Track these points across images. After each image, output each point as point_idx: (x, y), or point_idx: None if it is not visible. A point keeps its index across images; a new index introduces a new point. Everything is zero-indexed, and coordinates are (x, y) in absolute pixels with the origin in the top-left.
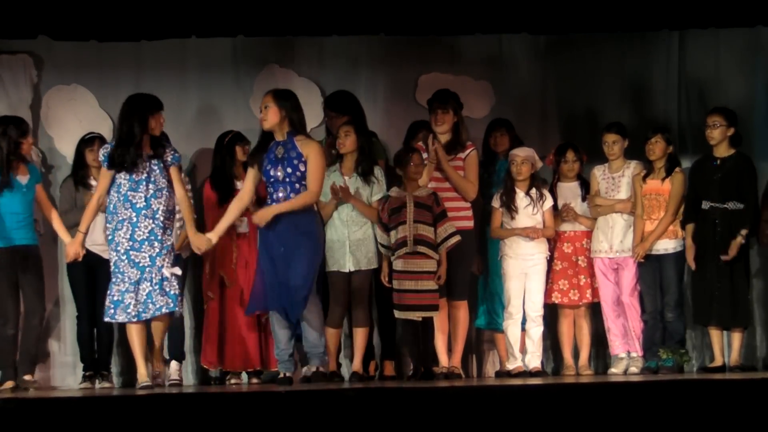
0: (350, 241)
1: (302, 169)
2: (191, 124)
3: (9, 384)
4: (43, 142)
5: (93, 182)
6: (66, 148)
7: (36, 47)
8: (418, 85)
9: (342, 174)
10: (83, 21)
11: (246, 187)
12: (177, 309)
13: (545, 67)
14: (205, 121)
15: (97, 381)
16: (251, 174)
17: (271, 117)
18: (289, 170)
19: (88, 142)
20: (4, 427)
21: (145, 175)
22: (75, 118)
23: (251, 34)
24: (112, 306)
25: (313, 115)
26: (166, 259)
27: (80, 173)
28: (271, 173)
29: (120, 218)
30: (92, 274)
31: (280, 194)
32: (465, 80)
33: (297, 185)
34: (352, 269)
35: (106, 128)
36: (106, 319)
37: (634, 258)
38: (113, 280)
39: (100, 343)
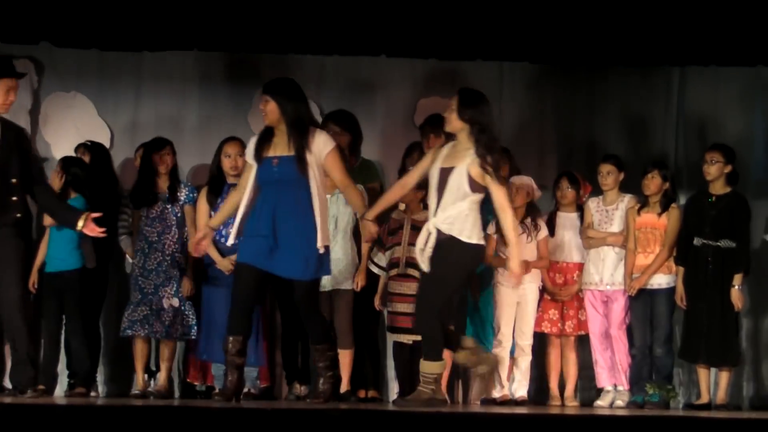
0: (335, 259)
1: None
2: (190, 137)
3: (80, 390)
4: (41, 148)
5: None
6: (63, 155)
7: (37, 53)
8: (417, 109)
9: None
10: (85, 29)
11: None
12: (174, 338)
13: (545, 96)
14: (204, 134)
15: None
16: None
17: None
18: None
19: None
20: None
21: (158, 212)
22: (73, 125)
23: (253, 50)
24: (122, 321)
25: None
26: (168, 291)
27: None
28: None
29: (136, 248)
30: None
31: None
32: None
33: None
34: (329, 288)
35: (103, 137)
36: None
37: (629, 292)
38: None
39: (88, 351)
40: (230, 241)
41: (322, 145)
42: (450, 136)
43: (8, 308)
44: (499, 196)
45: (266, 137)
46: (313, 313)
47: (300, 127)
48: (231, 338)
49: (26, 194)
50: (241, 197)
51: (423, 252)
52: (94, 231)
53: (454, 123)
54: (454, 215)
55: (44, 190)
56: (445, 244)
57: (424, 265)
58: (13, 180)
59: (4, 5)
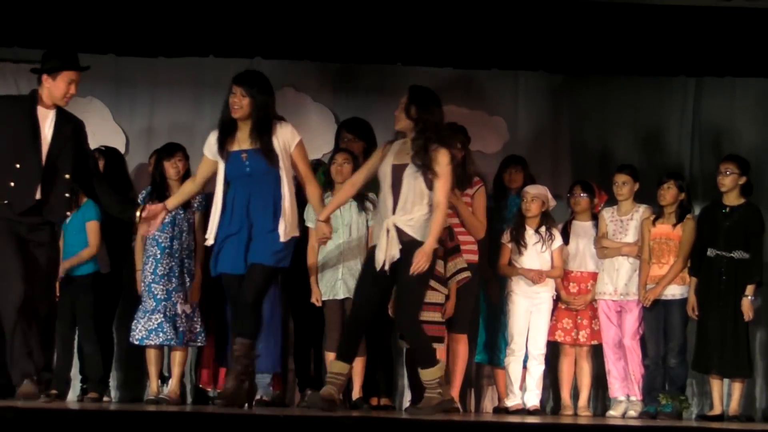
0: (344, 268)
1: None
2: (204, 143)
3: (93, 395)
4: None
5: None
6: None
7: None
8: None
9: None
10: (102, 34)
11: None
12: (185, 343)
13: (560, 106)
14: None
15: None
16: None
17: None
18: None
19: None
20: None
21: (171, 217)
22: (88, 130)
23: (269, 56)
24: (133, 329)
25: (326, 141)
26: (181, 296)
27: None
28: None
29: (147, 254)
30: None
31: None
32: (480, 114)
33: None
34: (341, 296)
35: (119, 142)
36: (131, 340)
37: (643, 302)
38: (139, 306)
39: (101, 356)
40: (209, 242)
41: (289, 137)
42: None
43: (41, 308)
44: (438, 191)
45: (228, 131)
46: (257, 303)
47: (268, 122)
48: (239, 339)
49: (77, 189)
50: (195, 188)
51: (385, 251)
52: (152, 225)
53: (402, 122)
54: (417, 218)
55: (103, 185)
56: (412, 248)
57: (380, 263)
58: (66, 175)
59: (21, 11)
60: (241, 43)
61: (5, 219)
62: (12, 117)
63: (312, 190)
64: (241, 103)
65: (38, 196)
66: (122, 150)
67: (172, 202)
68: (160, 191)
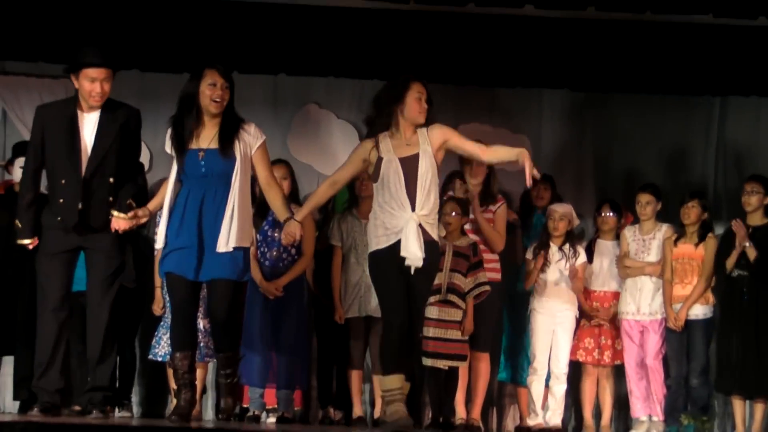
0: (365, 285)
1: None
2: None
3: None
4: None
5: None
6: None
7: None
8: None
9: (359, 218)
10: (126, 49)
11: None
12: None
13: (584, 124)
14: None
15: (116, 409)
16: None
17: None
18: None
19: None
20: None
21: None
22: None
23: (293, 72)
24: (155, 345)
25: None
26: (201, 311)
27: None
28: (269, 233)
29: None
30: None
31: (274, 253)
32: (503, 132)
33: (290, 247)
34: (364, 314)
35: (143, 158)
36: (149, 357)
37: (676, 328)
38: (161, 323)
39: (122, 372)
40: (158, 245)
41: (252, 139)
42: None
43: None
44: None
45: (189, 127)
46: (233, 317)
47: (237, 119)
48: (179, 354)
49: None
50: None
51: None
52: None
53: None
54: (433, 214)
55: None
56: (431, 249)
57: (415, 262)
58: (111, 179)
59: (46, 27)
60: (265, 60)
61: (61, 230)
62: (55, 127)
63: (274, 194)
64: (224, 97)
65: (80, 206)
66: (146, 166)
67: (152, 204)
68: None
